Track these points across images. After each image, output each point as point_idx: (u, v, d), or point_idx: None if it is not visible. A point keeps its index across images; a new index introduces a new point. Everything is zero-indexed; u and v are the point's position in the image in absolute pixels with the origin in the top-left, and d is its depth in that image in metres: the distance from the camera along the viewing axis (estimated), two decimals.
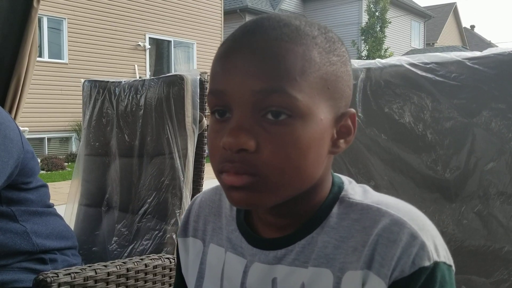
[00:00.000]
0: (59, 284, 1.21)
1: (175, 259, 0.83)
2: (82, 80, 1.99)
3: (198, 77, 1.65)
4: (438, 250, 0.58)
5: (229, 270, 0.69)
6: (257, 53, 0.57)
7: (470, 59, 1.07)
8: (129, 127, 1.77)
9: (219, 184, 0.77)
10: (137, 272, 1.36)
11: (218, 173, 0.61)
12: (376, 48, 19.50)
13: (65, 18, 11.18)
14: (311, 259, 0.62)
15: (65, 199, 1.97)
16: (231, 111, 0.59)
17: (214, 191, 0.78)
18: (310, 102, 0.58)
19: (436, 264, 0.56)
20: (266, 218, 0.67)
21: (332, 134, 0.62)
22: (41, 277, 1.20)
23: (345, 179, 0.68)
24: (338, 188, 0.66)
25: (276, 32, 0.58)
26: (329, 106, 0.60)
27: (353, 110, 0.64)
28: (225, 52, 0.60)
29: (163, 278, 1.43)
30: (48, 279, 1.19)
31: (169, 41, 13.68)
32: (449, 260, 0.59)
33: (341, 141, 0.63)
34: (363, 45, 20.00)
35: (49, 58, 10.93)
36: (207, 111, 1.70)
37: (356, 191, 0.66)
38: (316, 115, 0.58)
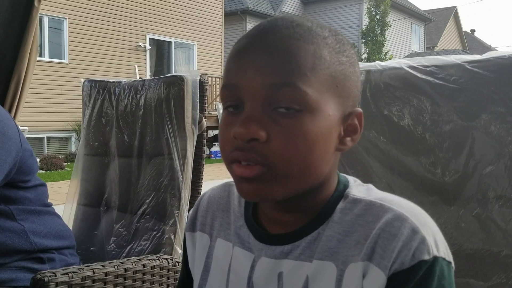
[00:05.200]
0: (57, 284, 1.20)
1: (182, 253, 0.84)
2: (82, 80, 1.99)
3: (198, 78, 1.64)
4: (438, 245, 0.59)
5: (237, 264, 0.71)
6: (270, 49, 0.60)
7: (470, 62, 1.07)
8: (128, 127, 1.77)
9: (227, 181, 0.79)
10: (135, 272, 1.35)
11: (229, 164, 0.63)
12: (376, 51, 19.52)
13: (66, 18, 11.19)
14: (315, 253, 0.64)
15: (64, 199, 1.97)
16: (243, 105, 0.61)
17: (223, 187, 0.80)
18: (319, 98, 0.60)
19: (435, 259, 0.57)
20: (271, 214, 0.69)
21: (340, 131, 0.64)
22: (38, 276, 1.20)
23: (351, 178, 0.70)
24: (343, 186, 0.68)
25: (289, 31, 0.61)
26: (337, 103, 0.62)
27: (360, 109, 0.66)
28: (239, 49, 0.63)
29: (161, 279, 1.42)
30: (46, 279, 1.19)
31: (169, 42, 13.68)
32: (449, 257, 0.60)
33: (348, 139, 0.66)
34: (363, 48, 20.02)
35: (49, 57, 10.94)
36: (206, 112, 1.70)
37: (360, 189, 0.68)
38: (324, 110, 0.61)
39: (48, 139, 10.98)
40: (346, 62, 0.63)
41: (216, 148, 11.85)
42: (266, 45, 0.60)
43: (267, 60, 0.60)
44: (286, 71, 0.59)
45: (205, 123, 1.68)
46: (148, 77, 12.07)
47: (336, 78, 0.62)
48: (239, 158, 0.61)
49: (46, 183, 1.52)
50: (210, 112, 10.14)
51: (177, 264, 1.46)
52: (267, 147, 0.59)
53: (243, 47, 0.62)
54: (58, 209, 1.57)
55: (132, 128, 1.75)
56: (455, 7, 30.59)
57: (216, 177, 7.48)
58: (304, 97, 0.59)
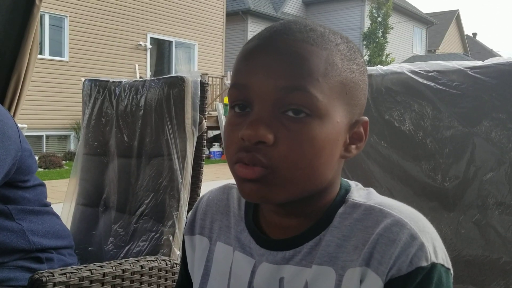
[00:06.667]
0: (54, 284, 1.20)
1: (181, 257, 0.83)
2: (82, 79, 1.99)
3: (199, 79, 1.64)
4: (437, 252, 0.58)
5: (237, 269, 0.70)
6: (282, 52, 0.60)
7: (471, 68, 1.07)
8: (128, 128, 1.76)
9: (226, 184, 0.79)
10: (133, 273, 1.35)
11: (233, 164, 0.62)
12: (377, 53, 19.54)
13: (66, 16, 11.19)
14: (315, 258, 0.64)
15: (62, 197, 1.97)
16: (252, 106, 0.61)
17: (222, 190, 0.79)
18: (328, 104, 0.60)
19: (433, 265, 0.57)
20: (272, 218, 0.69)
21: (345, 138, 0.64)
22: (36, 276, 1.20)
23: (352, 183, 0.70)
24: (345, 191, 0.68)
25: (302, 35, 0.61)
26: (345, 110, 0.63)
27: (366, 118, 0.67)
28: (250, 49, 0.62)
29: (159, 280, 1.42)
30: (44, 279, 1.19)
31: (170, 42, 13.68)
32: (447, 263, 0.60)
33: (353, 146, 0.66)
34: (364, 50, 20.03)
35: (49, 55, 10.94)
36: (207, 113, 1.70)
37: (361, 193, 0.68)
38: (333, 117, 0.61)
39: (47, 137, 10.98)
40: (356, 70, 0.64)
41: (215, 148, 11.85)
42: (278, 48, 0.60)
43: (279, 63, 0.59)
44: (298, 75, 0.59)
45: (205, 124, 1.67)
46: (148, 76, 12.07)
47: (346, 86, 0.62)
48: (243, 159, 0.60)
49: (45, 181, 1.52)
50: (210, 113, 10.14)
51: (175, 265, 1.46)
52: (273, 150, 0.59)
53: (255, 48, 0.62)
54: (56, 207, 1.57)
55: (132, 128, 1.75)
56: (457, 10, 30.66)
57: (215, 178, 7.48)
58: (314, 102, 0.59)
